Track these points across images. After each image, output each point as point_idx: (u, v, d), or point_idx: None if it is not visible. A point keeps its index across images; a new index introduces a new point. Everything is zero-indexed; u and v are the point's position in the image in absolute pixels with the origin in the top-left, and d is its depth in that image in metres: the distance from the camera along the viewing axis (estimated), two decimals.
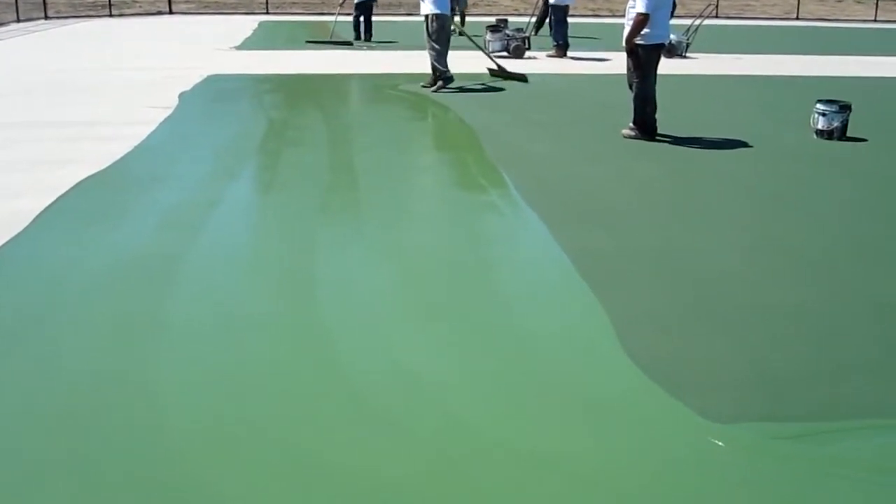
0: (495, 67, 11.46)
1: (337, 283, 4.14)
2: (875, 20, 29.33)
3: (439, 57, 10.27)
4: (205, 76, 11.20)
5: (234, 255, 4.56)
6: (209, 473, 2.57)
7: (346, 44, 15.65)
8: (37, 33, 18.27)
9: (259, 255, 4.55)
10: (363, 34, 16.17)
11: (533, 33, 16.02)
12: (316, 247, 4.65)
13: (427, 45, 10.31)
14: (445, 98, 9.82)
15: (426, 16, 10.17)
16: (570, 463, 2.68)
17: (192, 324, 3.65)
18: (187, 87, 10.24)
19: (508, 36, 14.73)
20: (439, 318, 3.79)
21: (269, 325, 3.63)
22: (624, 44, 7.64)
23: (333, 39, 16.07)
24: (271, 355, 3.35)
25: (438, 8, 10.08)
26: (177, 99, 9.36)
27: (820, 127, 8.07)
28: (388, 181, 6.14)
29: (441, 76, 10.31)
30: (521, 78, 11.28)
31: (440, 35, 10.21)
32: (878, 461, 2.74)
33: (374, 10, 16.60)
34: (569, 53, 14.88)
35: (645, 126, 7.73)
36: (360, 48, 15.49)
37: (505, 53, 14.45)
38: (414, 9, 21.07)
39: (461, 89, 10.41)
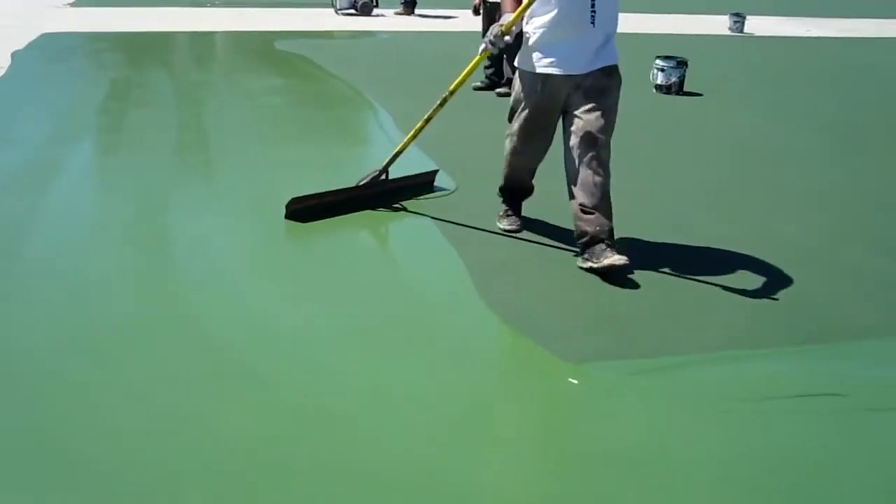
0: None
1: (190, 242, 4.07)
2: None
3: None
4: (39, 34, 10.62)
5: (81, 218, 4.39)
6: (77, 439, 2.51)
7: None
8: None
9: (108, 218, 4.38)
10: None
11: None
12: (167, 207, 4.54)
13: None
14: (299, 50, 9.67)
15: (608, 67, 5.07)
16: (438, 405, 2.76)
17: (44, 291, 3.49)
18: (20, 45, 9.69)
19: None
20: (296, 272, 3.81)
21: (125, 288, 3.53)
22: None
23: None
24: (129, 318, 3.27)
25: None
26: (9, 58, 8.85)
27: (659, 82, 8.44)
28: (237, 136, 6.03)
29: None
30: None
31: None
32: (723, 389, 2.95)
33: None
34: (416, 11, 14.93)
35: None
36: (204, 4, 15.49)
37: (353, 11, 14.34)
38: None
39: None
